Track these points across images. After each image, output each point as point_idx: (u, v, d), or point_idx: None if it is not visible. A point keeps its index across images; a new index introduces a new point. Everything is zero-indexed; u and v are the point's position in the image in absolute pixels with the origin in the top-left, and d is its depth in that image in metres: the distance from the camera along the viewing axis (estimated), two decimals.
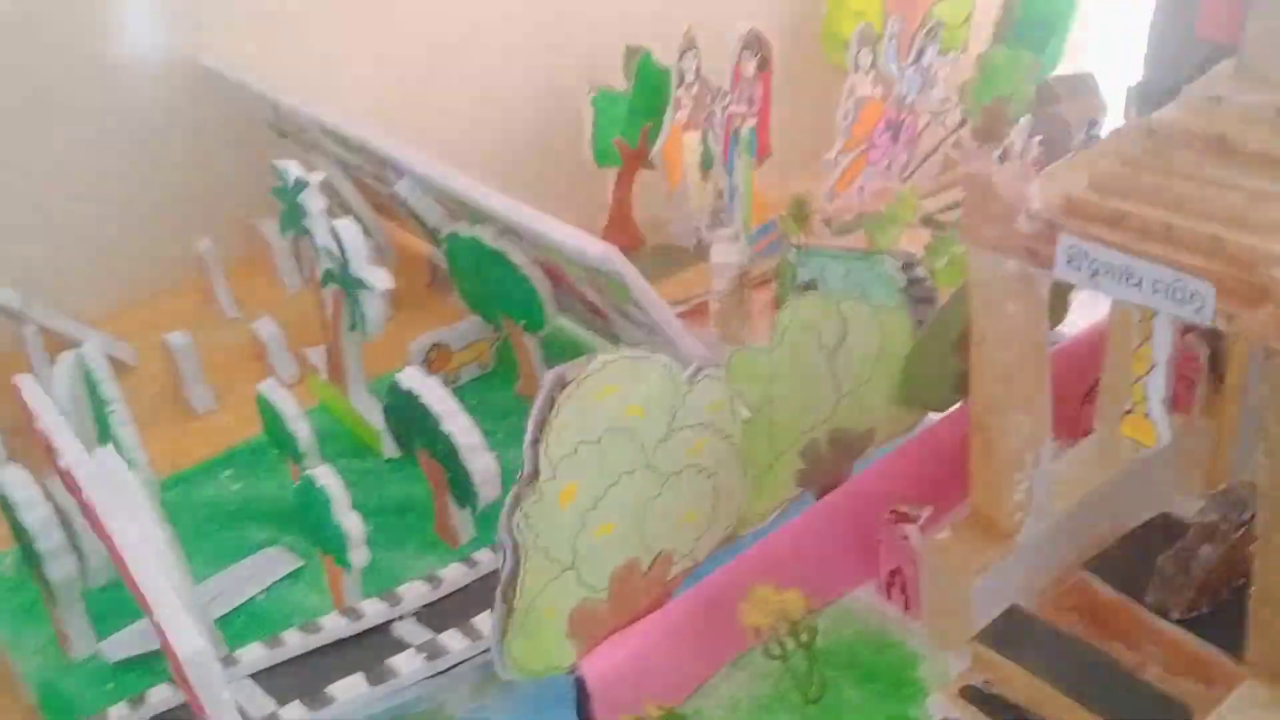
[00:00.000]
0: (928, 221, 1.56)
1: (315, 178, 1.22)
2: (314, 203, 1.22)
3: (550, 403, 0.79)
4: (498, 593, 0.83)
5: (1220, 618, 0.91)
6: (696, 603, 0.95)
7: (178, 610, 0.79)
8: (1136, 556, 0.98)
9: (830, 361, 0.99)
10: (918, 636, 1.00)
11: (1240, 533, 0.92)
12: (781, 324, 0.95)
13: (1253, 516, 0.90)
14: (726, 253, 1.35)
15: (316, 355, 1.40)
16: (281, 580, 1.16)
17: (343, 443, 1.31)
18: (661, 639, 0.93)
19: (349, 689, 0.93)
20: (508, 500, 0.81)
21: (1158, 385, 0.80)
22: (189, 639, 0.77)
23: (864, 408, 1.04)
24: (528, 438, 0.80)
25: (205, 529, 1.25)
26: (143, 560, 0.84)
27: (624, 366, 0.83)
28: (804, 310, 0.96)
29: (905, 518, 0.97)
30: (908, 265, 1.12)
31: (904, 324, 1.03)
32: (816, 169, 1.62)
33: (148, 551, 0.86)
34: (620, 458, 0.85)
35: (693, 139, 1.65)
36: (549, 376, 0.80)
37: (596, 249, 1.01)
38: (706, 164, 1.64)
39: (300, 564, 1.17)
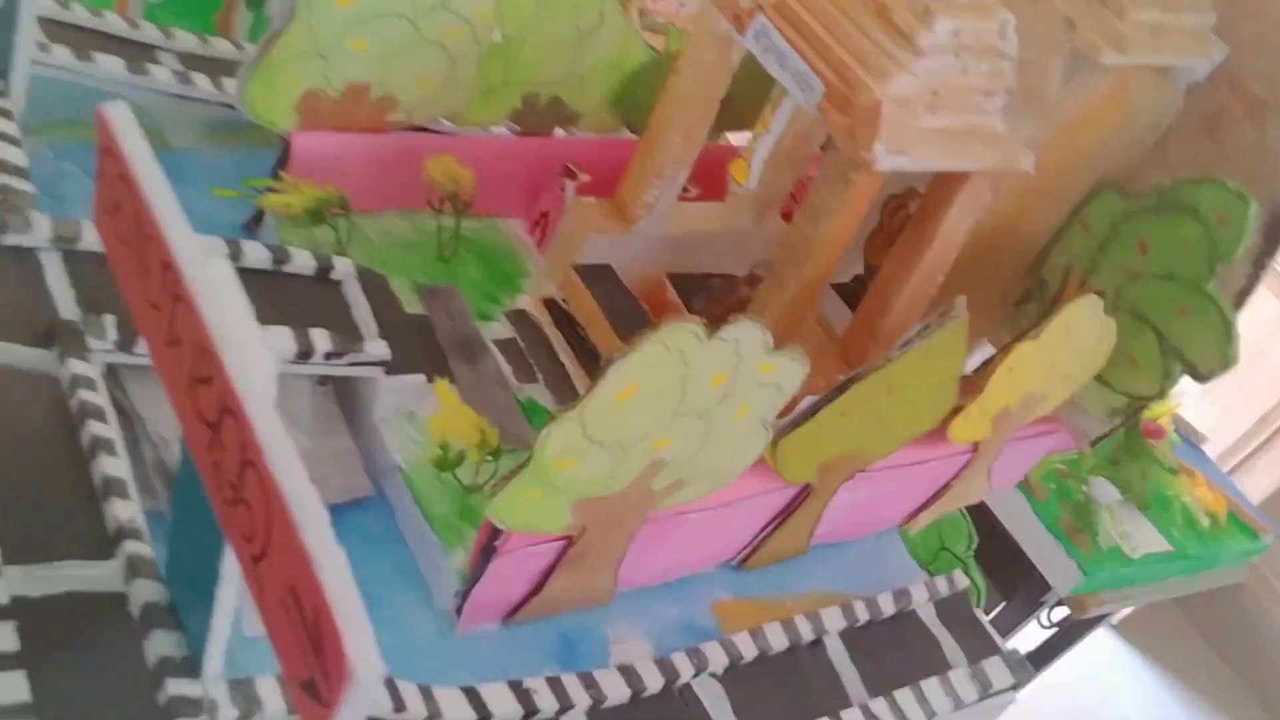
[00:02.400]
0: None
1: None
2: None
3: None
4: (262, 39, 1.08)
5: None
6: (399, 149, 1.22)
7: None
8: (709, 288, 1.32)
9: (576, 39, 1.28)
10: (536, 264, 1.31)
11: None
12: None
13: None
14: None
15: None
16: None
17: None
18: (363, 154, 1.20)
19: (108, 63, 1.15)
20: None
21: (765, 144, 1.13)
22: None
23: (585, 92, 1.33)
24: None
25: None
26: None
27: None
28: None
29: (571, 174, 1.28)
30: None
31: (643, 51, 1.32)
32: None
33: None
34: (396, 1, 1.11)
35: None
36: None
37: None
38: None
39: None
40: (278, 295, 1.03)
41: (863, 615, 1.16)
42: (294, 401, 1.02)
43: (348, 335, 1.03)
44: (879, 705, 1.09)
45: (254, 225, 1.19)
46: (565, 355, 1.22)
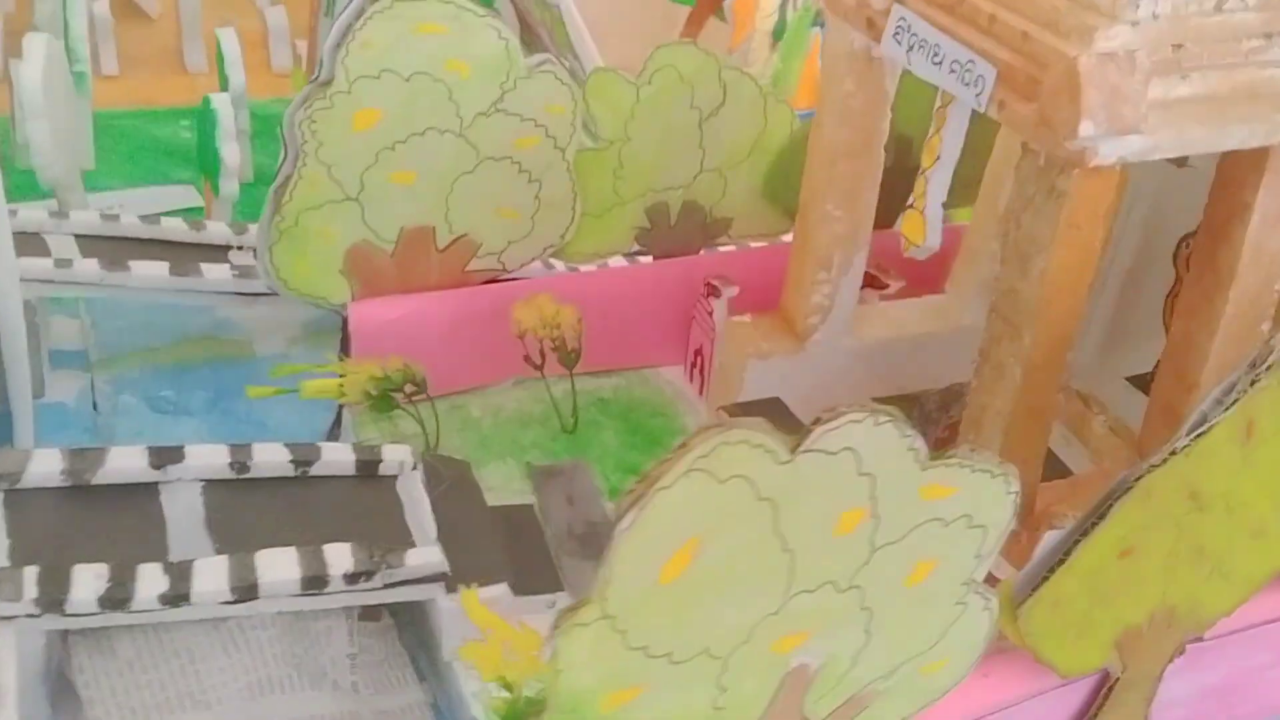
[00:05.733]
0: None
1: None
2: None
3: (360, 11, 0.81)
4: (270, 191, 0.86)
5: None
6: (489, 302, 0.96)
7: None
8: (921, 406, 0.96)
9: (700, 126, 0.99)
10: (698, 416, 1.00)
11: None
12: (653, 63, 0.95)
13: None
14: None
15: (303, 47, 1.45)
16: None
17: None
18: (442, 317, 0.95)
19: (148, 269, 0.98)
20: (297, 97, 0.83)
21: (940, 181, 0.78)
22: None
23: (727, 191, 1.03)
24: (330, 40, 0.82)
25: (139, 156, 1.33)
26: None
27: (453, 13, 0.84)
28: (681, 59, 0.96)
29: (714, 291, 0.97)
30: None
31: (788, 118, 1.02)
32: None
33: None
34: (431, 110, 0.87)
35: (770, 1, 1.62)
36: None
37: None
38: (778, 33, 1.60)
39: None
40: (298, 506, 0.77)
41: None
42: (322, 649, 0.74)
43: (388, 545, 0.74)
44: None
45: (336, 428, 0.96)
46: None
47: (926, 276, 1.03)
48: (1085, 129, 0.64)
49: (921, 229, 0.80)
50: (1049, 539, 0.63)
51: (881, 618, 0.58)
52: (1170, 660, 0.74)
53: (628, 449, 0.96)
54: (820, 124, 0.88)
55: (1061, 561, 0.64)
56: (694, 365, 1.02)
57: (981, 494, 0.56)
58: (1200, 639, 0.75)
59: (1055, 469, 0.92)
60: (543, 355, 0.93)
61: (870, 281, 1.01)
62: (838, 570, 0.55)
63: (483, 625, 0.65)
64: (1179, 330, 0.82)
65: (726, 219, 1.05)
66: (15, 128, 1.18)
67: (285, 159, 0.85)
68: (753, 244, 1.06)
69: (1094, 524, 0.63)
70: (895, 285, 1.02)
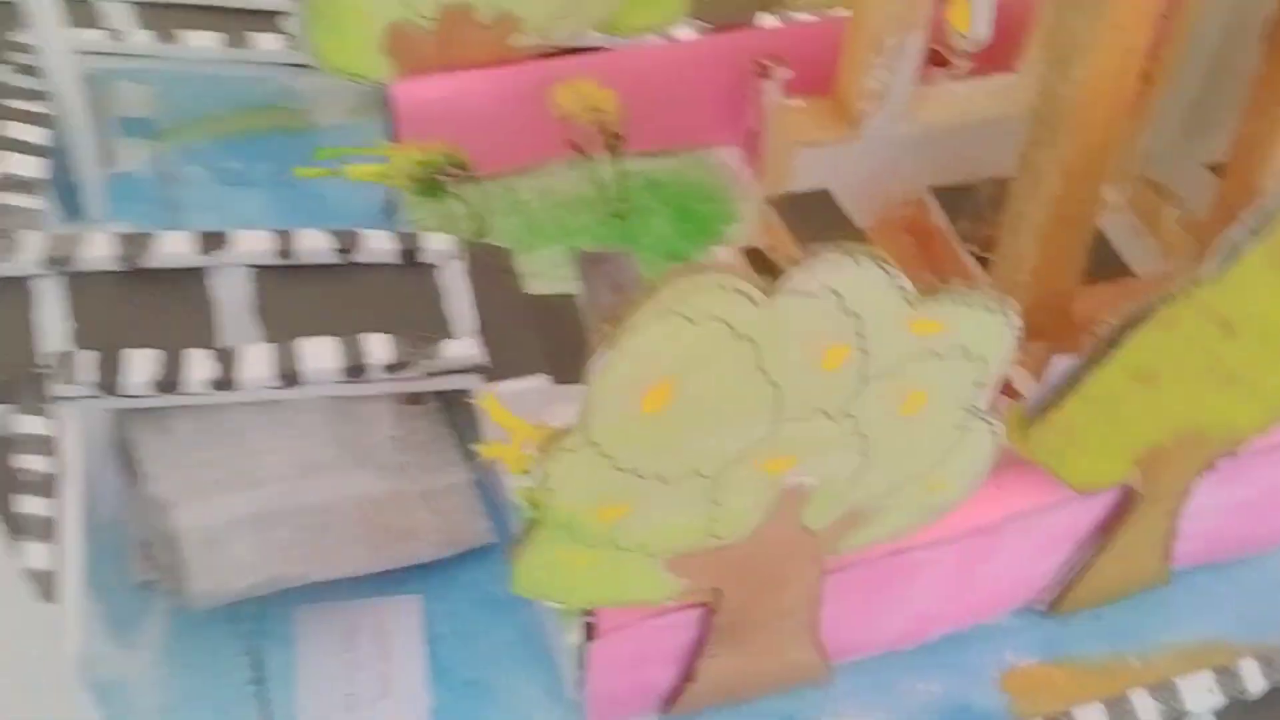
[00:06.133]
0: None
1: None
2: None
3: None
4: None
5: None
6: (536, 79, 0.94)
7: None
8: (974, 199, 0.93)
9: None
10: (750, 201, 0.99)
11: None
12: None
13: None
14: None
15: None
16: None
17: None
18: (486, 99, 0.94)
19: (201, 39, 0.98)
20: None
21: None
22: None
23: None
24: None
25: None
26: None
27: None
28: None
29: (765, 71, 0.94)
30: None
31: None
32: None
33: None
34: None
35: None
36: None
37: None
38: None
39: None
40: (341, 294, 0.80)
41: (1255, 682, 0.74)
42: (367, 431, 0.78)
43: (426, 336, 0.77)
44: None
45: (393, 208, 0.98)
46: None
47: (999, 54, 0.98)
48: None
49: (967, 17, 0.76)
50: (1056, 365, 0.63)
51: (877, 442, 0.59)
52: (1198, 475, 0.74)
53: (677, 236, 0.96)
54: None
55: (1072, 388, 0.63)
56: (748, 147, 1.00)
57: (977, 327, 0.56)
58: (1231, 454, 0.74)
59: (1115, 267, 0.90)
60: (586, 139, 0.92)
61: (936, 59, 0.96)
62: (827, 401, 0.56)
63: (504, 426, 0.67)
64: (1247, 128, 0.78)
65: None
66: None
67: None
68: (811, 15, 1.01)
69: (1105, 354, 0.62)
70: (964, 64, 0.97)
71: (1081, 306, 0.79)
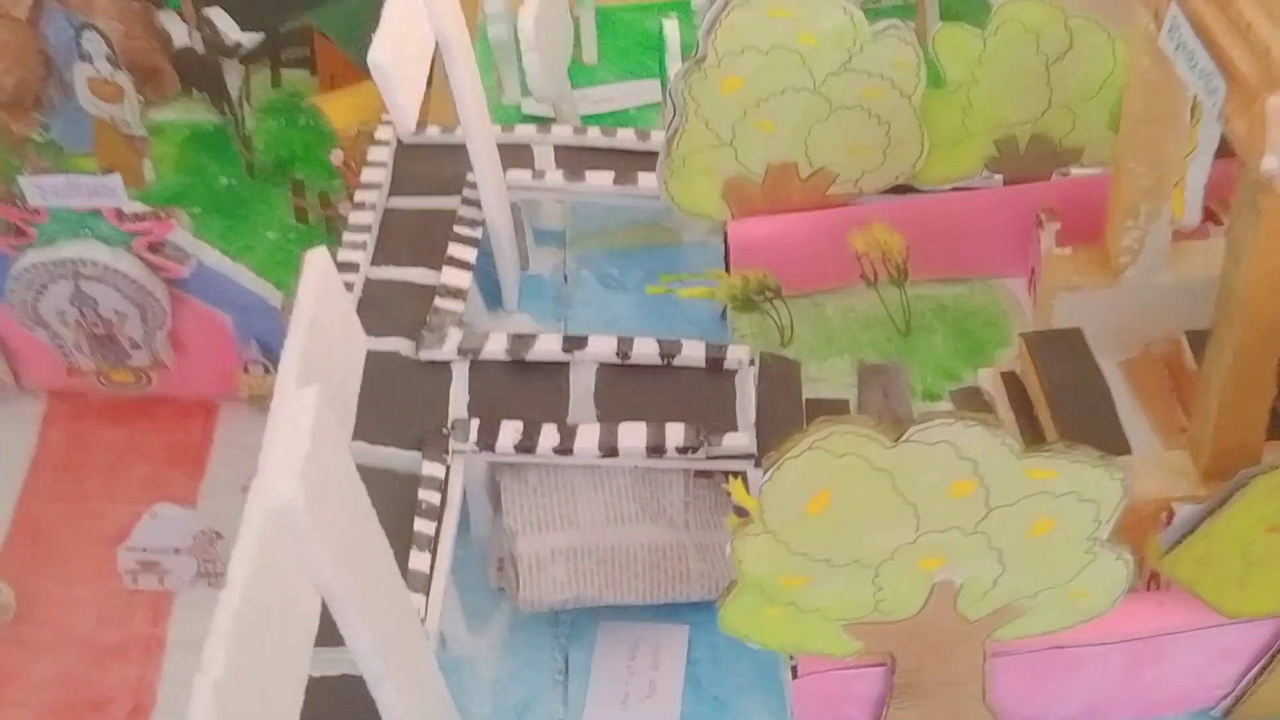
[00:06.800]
0: None
1: None
2: None
3: (725, 3, 1.02)
4: (664, 140, 1.11)
5: None
6: (844, 221, 1.15)
7: None
8: None
9: (1047, 69, 1.09)
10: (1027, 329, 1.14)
11: None
12: (997, 17, 1.06)
13: None
14: None
15: None
16: None
17: None
18: (802, 233, 1.16)
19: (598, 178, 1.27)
20: (678, 70, 1.06)
21: (1198, 167, 0.86)
22: None
23: (1076, 123, 1.13)
24: (703, 27, 1.03)
25: (633, 51, 1.61)
26: None
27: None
28: (1025, 12, 1.06)
29: (1041, 222, 1.09)
30: None
31: None
32: None
33: None
34: (786, 73, 1.06)
35: None
36: None
37: None
38: None
39: None
40: (660, 389, 1.05)
41: None
42: (663, 495, 1.02)
43: (714, 427, 1.00)
44: None
45: (723, 315, 1.22)
46: None
47: None
48: (1268, 163, 0.72)
49: (1182, 205, 0.89)
50: (1181, 512, 0.76)
51: (1010, 555, 0.75)
52: None
53: (951, 355, 1.14)
54: (1129, 88, 0.96)
55: (1198, 527, 0.76)
56: (1030, 281, 1.16)
57: (1087, 477, 0.71)
58: None
59: None
60: (875, 272, 1.12)
61: (1210, 216, 1.08)
62: (960, 520, 0.73)
63: (744, 504, 0.89)
64: None
65: (1078, 148, 1.15)
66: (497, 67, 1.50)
67: (674, 116, 1.09)
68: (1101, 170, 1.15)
69: (1227, 499, 0.74)
70: None
71: (1269, 458, 0.89)
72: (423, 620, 0.87)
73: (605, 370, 1.06)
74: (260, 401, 1.16)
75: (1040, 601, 0.79)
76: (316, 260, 0.75)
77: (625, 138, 1.33)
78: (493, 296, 1.27)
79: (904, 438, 0.68)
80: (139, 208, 1.11)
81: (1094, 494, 0.72)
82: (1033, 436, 1.02)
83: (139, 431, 1.36)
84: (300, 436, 0.62)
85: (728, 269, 1.17)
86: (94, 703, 1.13)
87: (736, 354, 1.06)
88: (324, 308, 0.73)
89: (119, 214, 1.10)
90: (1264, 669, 0.86)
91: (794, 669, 0.85)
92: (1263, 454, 0.89)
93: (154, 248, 1.13)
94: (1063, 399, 0.99)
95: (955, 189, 1.18)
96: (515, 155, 1.28)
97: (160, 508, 1.13)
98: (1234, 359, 0.83)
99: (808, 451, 0.69)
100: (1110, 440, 0.96)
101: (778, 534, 0.73)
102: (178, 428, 1.31)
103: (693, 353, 1.06)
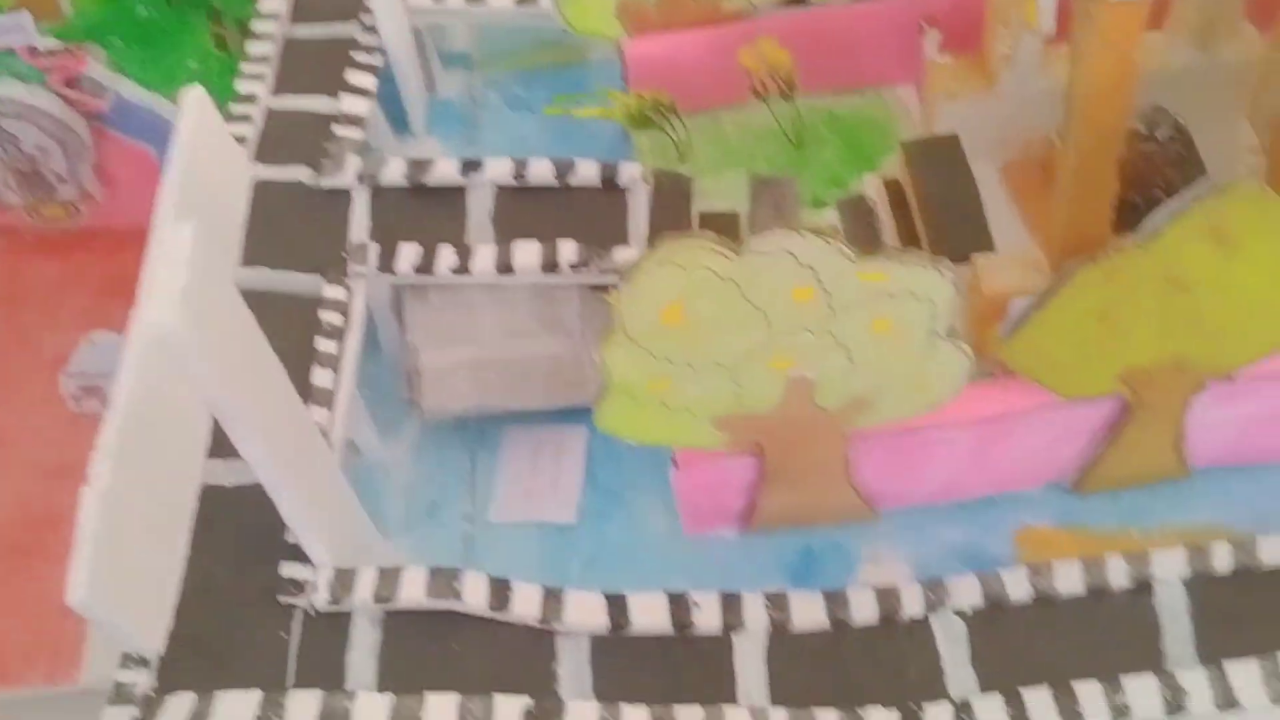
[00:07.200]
0: None
1: None
2: None
3: None
4: None
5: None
6: (735, 38, 1.17)
7: None
8: None
9: None
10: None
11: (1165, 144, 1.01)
12: None
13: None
14: None
15: None
16: None
17: None
18: (697, 50, 1.19)
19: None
20: None
21: None
22: None
23: None
24: None
25: None
26: None
27: None
28: None
29: (922, 31, 1.12)
30: None
31: None
32: None
33: None
34: None
35: None
36: None
37: None
38: None
39: None
40: (560, 208, 1.10)
41: (1223, 562, 0.90)
42: (559, 309, 1.08)
43: (608, 245, 1.06)
44: (1197, 677, 0.85)
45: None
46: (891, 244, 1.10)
47: (1152, 14, 1.10)
48: None
49: (1034, 13, 0.92)
50: (1015, 304, 0.82)
51: (857, 351, 0.81)
52: (1191, 396, 0.90)
53: (842, 165, 1.18)
54: None
55: (1031, 318, 0.82)
56: (919, 91, 1.19)
57: (918, 277, 0.77)
58: (1224, 380, 0.90)
59: None
60: (765, 87, 1.15)
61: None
62: (807, 322, 0.79)
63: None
64: None
65: None
66: None
67: None
68: None
69: (1055, 292, 0.81)
70: None
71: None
72: (328, 433, 0.94)
73: (504, 192, 1.10)
74: None
75: (889, 393, 0.86)
76: (191, 98, 0.78)
77: None
78: (401, 122, 1.30)
79: (745, 249, 0.74)
80: (52, 44, 1.13)
81: (928, 293, 0.78)
82: (909, 239, 1.08)
83: (75, 264, 1.41)
84: (178, 269, 0.67)
85: (627, 87, 1.21)
86: (48, 520, 1.21)
87: (629, 171, 1.10)
88: (202, 143, 0.77)
89: (32, 51, 1.12)
90: (1104, 444, 0.94)
91: (674, 461, 0.93)
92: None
93: (71, 83, 1.15)
94: (934, 202, 1.05)
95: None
96: None
97: (98, 335, 1.19)
98: (1076, 158, 0.88)
99: (657, 266, 0.74)
100: (976, 239, 1.02)
101: (638, 341, 0.79)
102: (113, 259, 1.36)
103: (587, 172, 1.10)
